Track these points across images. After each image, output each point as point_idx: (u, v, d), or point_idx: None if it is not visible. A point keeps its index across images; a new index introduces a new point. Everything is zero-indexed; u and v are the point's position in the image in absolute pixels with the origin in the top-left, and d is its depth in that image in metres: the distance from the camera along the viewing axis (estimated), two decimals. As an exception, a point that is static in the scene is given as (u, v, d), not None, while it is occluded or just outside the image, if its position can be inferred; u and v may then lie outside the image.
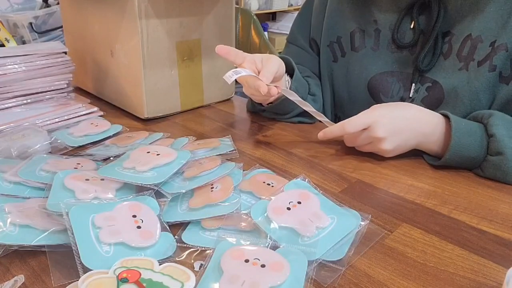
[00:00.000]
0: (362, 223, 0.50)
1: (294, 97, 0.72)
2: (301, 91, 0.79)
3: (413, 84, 0.74)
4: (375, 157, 0.68)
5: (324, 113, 0.91)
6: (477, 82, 0.67)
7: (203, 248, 0.46)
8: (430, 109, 0.68)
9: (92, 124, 0.78)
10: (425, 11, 0.72)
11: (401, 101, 0.76)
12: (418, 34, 0.73)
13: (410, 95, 0.75)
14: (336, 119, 0.90)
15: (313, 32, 0.89)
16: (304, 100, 0.81)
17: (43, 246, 0.45)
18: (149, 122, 0.84)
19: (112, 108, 0.91)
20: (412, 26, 0.74)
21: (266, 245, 0.45)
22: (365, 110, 0.66)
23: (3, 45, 1.10)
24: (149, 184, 0.52)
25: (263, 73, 0.66)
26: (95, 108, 0.83)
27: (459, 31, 0.69)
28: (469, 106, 0.68)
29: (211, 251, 0.45)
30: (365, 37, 0.80)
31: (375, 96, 0.79)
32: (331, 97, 0.88)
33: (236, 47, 0.93)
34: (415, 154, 0.68)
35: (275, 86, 0.67)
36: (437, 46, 0.71)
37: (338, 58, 0.85)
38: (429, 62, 0.72)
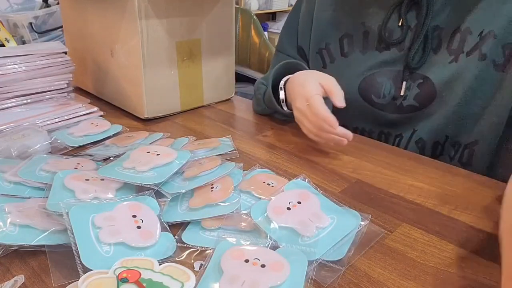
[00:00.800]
0: (362, 223, 0.50)
1: None
2: None
3: (404, 82, 0.74)
4: (375, 157, 0.68)
5: None
6: (468, 72, 0.67)
7: (203, 248, 0.46)
8: (423, 104, 0.68)
9: (92, 124, 0.78)
10: (413, 8, 0.72)
11: (393, 100, 0.76)
12: (406, 30, 0.73)
13: (402, 93, 0.75)
14: None
15: (300, 39, 0.89)
16: None
17: (43, 246, 0.45)
18: (149, 122, 0.84)
19: (112, 108, 0.91)
20: (400, 24, 0.74)
21: (266, 245, 0.45)
22: None
23: (3, 45, 1.10)
24: (149, 184, 0.52)
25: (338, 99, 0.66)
26: (95, 108, 0.83)
27: (447, 25, 0.69)
28: (463, 97, 0.68)
29: (211, 251, 0.45)
30: (353, 42, 0.80)
31: (366, 98, 0.79)
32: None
33: (236, 47, 0.94)
34: (407, 152, 0.68)
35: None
36: (428, 42, 0.71)
37: (327, 64, 0.85)
38: (420, 58, 0.72)
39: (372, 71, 0.78)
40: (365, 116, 0.80)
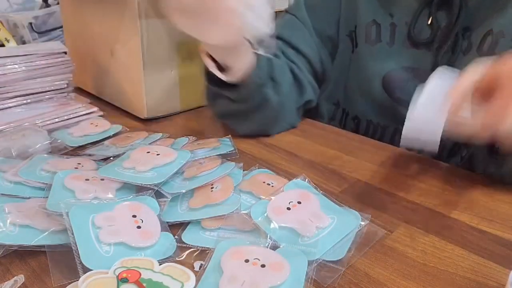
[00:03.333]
0: (362, 223, 0.50)
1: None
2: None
3: None
4: (375, 157, 0.68)
5: (331, 107, 0.88)
6: None
7: (203, 248, 0.46)
8: None
9: (92, 124, 0.78)
10: (444, 7, 0.70)
11: None
12: (435, 30, 0.71)
13: None
14: (343, 114, 0.87)
15: (324, 22, 0.83)
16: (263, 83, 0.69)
17: (43, 246, 0.45)
18: (149, 122, 0.84)
19: (112, 108, 0.91)
20: (429, 22, 0.72)
21: (266, 245, 0.45)
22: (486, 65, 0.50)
23: (3, 45, 1.10)
24: (149, 184, 0.52)
25: None
26: (95, 108, 0.83)
27: (479, 27, 0.68)
28: None
29: (211, 251, 0.45)
30: (381, 31, 0.77)
31: (390, 92, 0.76)
32: (343, 90, 0.85)
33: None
34: (415, 154, 0.68)
35: None
36: (458, 43, 0.69)
37: (353, 49, 0.82)
38: (448, 59, 0.70)
39: (399, 65, 0.75)
40: (384, 110, 0.78)
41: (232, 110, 0.74)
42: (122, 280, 0.38)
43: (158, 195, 0.52)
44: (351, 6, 0.81)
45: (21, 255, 0.45)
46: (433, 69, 0.69)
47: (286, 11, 0.84)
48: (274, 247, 0.45)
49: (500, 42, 0.66)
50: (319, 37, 0.83)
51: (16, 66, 0.76)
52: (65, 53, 0.84)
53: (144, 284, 0.38)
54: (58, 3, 1.31)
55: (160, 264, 0.41)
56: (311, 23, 0.82)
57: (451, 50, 0.70)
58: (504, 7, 0.66)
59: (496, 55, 0.65)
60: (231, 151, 0.67)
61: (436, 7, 0.71)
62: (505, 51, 0.64)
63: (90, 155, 0.66)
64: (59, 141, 0.70)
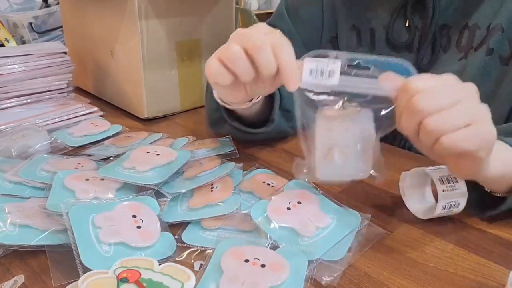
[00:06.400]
0: (362, 223, 0.50)
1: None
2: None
3: None
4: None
5: None
6: (474, 67, 0.67)
7: (203, 248, 0.46)
8: None
9: (92, 124, 0.78)
10: (419, 8, 0.71)
11: None
12: (413, 32, 0.72)
13: None
14: None
15: (309, 31, 0.84)
16: (274, 118, 0.68)
17: (43, 246, 0.45)
18: (149, 122, 0.84)
19: (112, 108, 0.91)
20: (407, 25, 0.73)
21: (266, 245, 0.45)
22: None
23: (3, 45, 1.10)
24: (149, 184, 0.52)
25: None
26: (95, 108, 0.83)
27: (455, 23, 0.69)
28: None
29: (211, 251, 0.45)
30: (361, 36, 0.78)
31: None
32: None
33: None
34: (413, 154, 0.68)
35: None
36: (436, 42, 0.70)
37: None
38: (429, 58, 0.71)
39: None
40: None
41: (244, 138, 0.71)
42: (122, 280, 0.38)
43: (158, 195, 0.52)
44: (332, 13, 0.82)
45: (21, 255, 0.45)
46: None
47: (269, 23, 0.78)
48: (274, 247, 0.45)
49: (476, 34, 0.67)
50: (305, 47, 0.81)
51: (16, 66, 0.77)
52: (65, 53, 0.84)
53: (144, 284, 0.38)
54: (58, 3, 1.31)
55: (160, 264, 0.41)
56: (298, 34, 0.81)
57: (432, 49, 0.71)
58: (475, 1, 0.67)
59: (473, 47, 0.66)
60: (231, 151, 0.67)
61: (411, 9, 0.71)
62: (480, 42, 0.66)
63: (90, 155, 0.66)
64: (59, 141, 0.70)
